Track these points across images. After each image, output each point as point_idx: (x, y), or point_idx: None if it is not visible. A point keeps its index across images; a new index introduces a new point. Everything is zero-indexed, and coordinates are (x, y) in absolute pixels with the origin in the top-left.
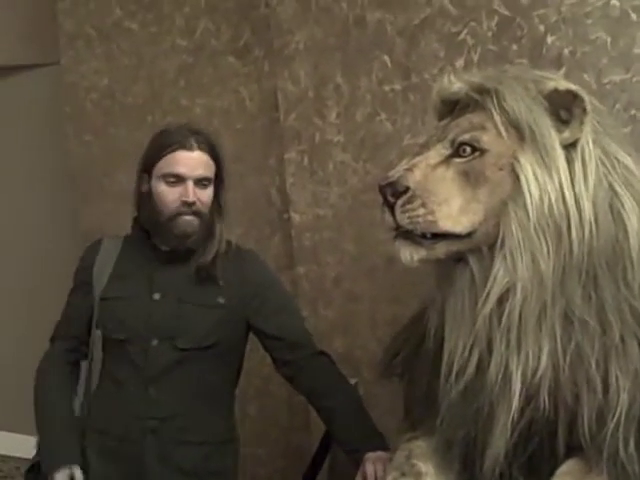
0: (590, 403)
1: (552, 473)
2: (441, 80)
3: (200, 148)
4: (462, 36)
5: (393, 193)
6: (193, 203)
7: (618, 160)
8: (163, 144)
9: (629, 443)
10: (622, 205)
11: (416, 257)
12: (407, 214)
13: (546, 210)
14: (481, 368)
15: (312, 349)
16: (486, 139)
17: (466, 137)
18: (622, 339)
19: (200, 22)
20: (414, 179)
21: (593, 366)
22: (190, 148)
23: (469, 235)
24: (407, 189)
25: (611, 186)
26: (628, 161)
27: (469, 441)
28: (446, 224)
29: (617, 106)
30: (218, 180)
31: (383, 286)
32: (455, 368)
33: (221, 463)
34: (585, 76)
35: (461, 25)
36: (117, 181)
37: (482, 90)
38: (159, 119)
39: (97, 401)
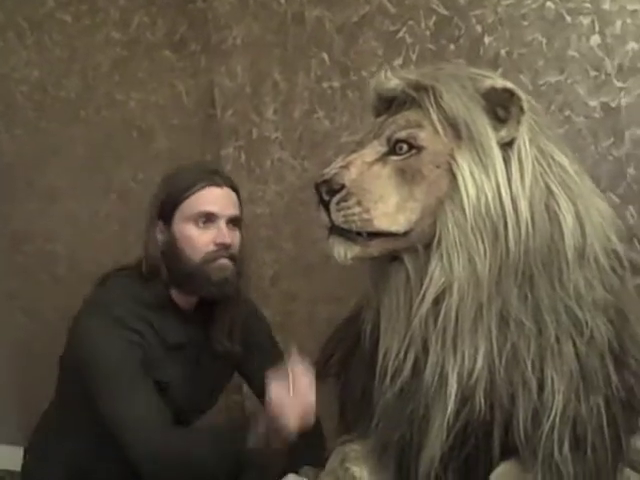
0: (525, 404)
1: (487, 475)
2: (378, 76)
3: (228, 185)
4: (400, 34)
5: (328, 191)
6: (230, 245)
7: (554, 160)
8: (185, 184)
9: (564, 444)
10: (558, 205)
11: (350, 254)
12: (342, 212)
13: (483, 209)
14: (417, 369)
15: None
16: (423, 137)
17: (403, 134)
18: (557, 340)
19: (135, 15)
20: (350, 177)
21: (529, 367)
22: (219, 184)
23: (405, 234)
24: (342, 187)
25: (547, 186)
26: (564, 161)
27: (404, 444)
28: (382, 223)
29: (552, 107)
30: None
31: (321, 285)
32: (390, 369)
33: None
34: (521, 77)
35: (399, 23)
36: (48, 178)
37: (419, 87)
38: (93, 113)
39: None
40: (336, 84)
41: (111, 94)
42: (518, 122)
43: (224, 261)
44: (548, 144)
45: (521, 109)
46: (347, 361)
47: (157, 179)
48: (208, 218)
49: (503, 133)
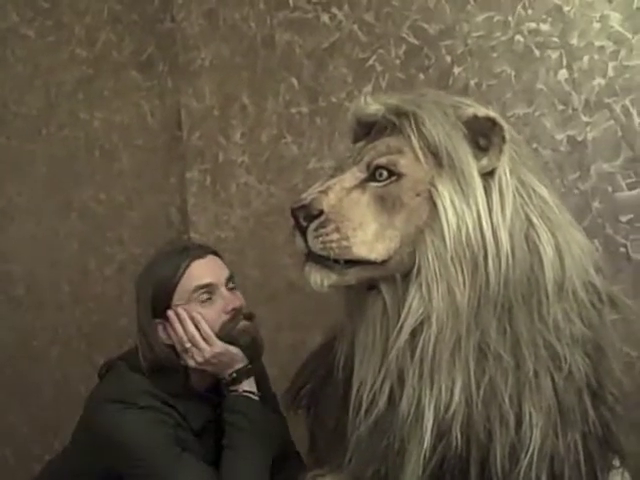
0: (503, 440)
1: None
2: (357, 101)
3: (208, 252)
4: (370, 62)
5: (306, 216)
6: (240, 307)
7: (534, 191)
8: (169, 270)
9: None
10: (538, 237)
11: (327, 282)
12: (320, 239)
13: (463, 239)
14: (392, 402)
15: None
16: (403, 163)
17: (383, 160)
18: (536, 374)
19: (101, 33)
20: (328, 202)
21: (506, 401)
22: (201, 255)
23: (383, 262)
24: (321, 212)
25: (527, 217)
26: (544, 192)
27: (379, 479)
28: (361, 250)
29: None
30: None
31: (285, 311)
32: (365, 402)
33: None
34: (490, 108)
35: (370, 51)
36: (7, 196)
37: (400, 113)
38: (55, 131)
39: None
40: (305, 109)
41: (74, 112)
42: (500, 151)
43: (244, 323)
44: (528, 175)
45: (503, 139)
46: (319, 392)
47: (119, 199)
48: (207, 291)
49: (484, 162)
